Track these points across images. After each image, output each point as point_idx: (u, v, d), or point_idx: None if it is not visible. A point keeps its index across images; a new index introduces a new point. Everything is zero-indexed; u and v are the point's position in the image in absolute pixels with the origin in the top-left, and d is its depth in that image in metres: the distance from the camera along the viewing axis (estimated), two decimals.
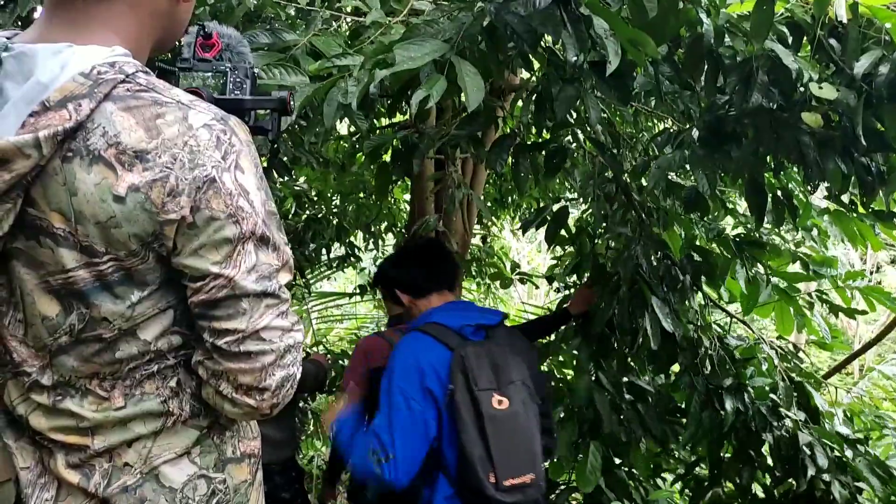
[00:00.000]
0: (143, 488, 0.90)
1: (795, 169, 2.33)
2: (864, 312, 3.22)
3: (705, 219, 2.41)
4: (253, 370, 0.88)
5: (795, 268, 2.99)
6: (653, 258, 2.16)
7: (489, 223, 7.04)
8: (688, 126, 1.92)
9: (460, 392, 1.69)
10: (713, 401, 2.30)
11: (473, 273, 5.42)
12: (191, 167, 0.82)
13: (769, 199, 2.12)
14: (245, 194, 0.86)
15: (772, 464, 2.36)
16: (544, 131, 2.21)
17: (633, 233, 2.20)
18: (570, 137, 2.07)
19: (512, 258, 5.00)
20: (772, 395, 2.37)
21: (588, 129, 2.06)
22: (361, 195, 5.49)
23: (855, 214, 2.30)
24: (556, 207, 2.41)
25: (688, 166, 1.84)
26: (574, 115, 2.72)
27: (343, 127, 5.39)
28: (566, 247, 2.88)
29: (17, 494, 0.89)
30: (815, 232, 2.74)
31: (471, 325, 1.81)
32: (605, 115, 2.16)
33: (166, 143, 0.82)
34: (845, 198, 2.16)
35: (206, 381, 0.91)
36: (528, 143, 2.00)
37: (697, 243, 2.44)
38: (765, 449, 2.39)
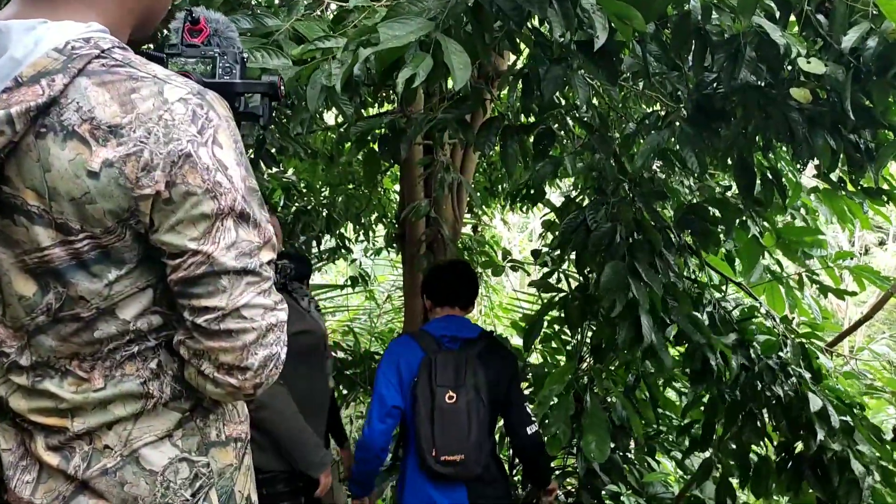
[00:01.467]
0: (123, 471, 0.88)
1: (784, 148, 2.32)
2: (853, 293, 3.23)
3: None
4: (234, 349, 0.86)
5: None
6: (648, 218, 2.11)
7: (480, 212, 7.03)
8: (677, 107, 1.91)
9: (422, 384, 2.24)
10: (715, 356, 2.24)
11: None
12: (165, 141, 0.81)
13: (758, 179, 2.11)
14: (223, 169, 0.84)
15: (774, 426, 2.30)
16: (532, 116, 2.20)
17: (625, 197, 2.15)
18: (557, 123, 2.05)
19: (503, 247, 4.98)
20: (778, 353, 2.32)
21: (576, 111, 2.05)
22: (350, 186, 5.46)
23: (844, 192, 2.30)
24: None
25: (677, 145, 1.82)
26: (563, 100, 2.71)
27: (330, 117, 5.37)
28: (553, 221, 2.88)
29: (0, 476, 0.88)
30: (803, 211, 2.73)
31: (447, 336, 2.34)
32: (593, 97, 2.13)
33: (141, 117, 0.80)
34: (834, 176, 2.16)
35: (188, 360, 0.89)
36: (516, 125, 1.99)
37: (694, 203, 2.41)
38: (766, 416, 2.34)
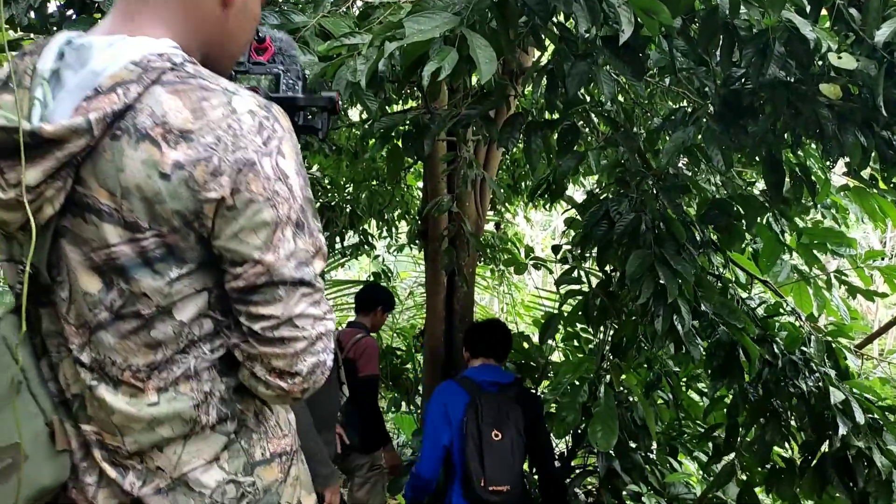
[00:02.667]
0: (175, 492, 0.92)
1: (814, 145, 2.28)
2: (883, 295, 3.17)
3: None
4: (286, 355, 0.90)
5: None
6: (671, 213, 2.08)
7: (503, 209, 7.01)
8: (704, 103, 1.88)
9: (470, 423, 2.56)
10: (738, 353, 2.20)
11: (487, 259, 5.40)
12: (233, 149, 0.85)
13: (787, 176, 2.08)
14: (284, 178, 0.88)
15: (797, 425, 2.25)
16: (556, 113, 2.18)
17: (649, 191, 2.12)
18: (582, 120, 2.04)
19: (526, 244, 4.96)
20: (802, 348, 2.28)
21: (601, 107, 2.03)
22: (374, 182, 5.48)
23: (875, 190, 2.25)
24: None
25: (703, 143, 1.80)
26: (587, 96, 2.68)
27: (355, 114, 5.39)
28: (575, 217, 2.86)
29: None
30: (833, 210, 2.68)
31: (487, 381, 2.72)
32: (619, 93, 2.11)
33: (210, 124, 0.84)
34: (865, 173, 2.11)
35: (242, 363, 0.93)
36: (541, 121, 1.98)
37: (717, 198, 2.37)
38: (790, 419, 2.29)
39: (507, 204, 6.66)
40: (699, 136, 1.79)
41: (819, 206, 2.56)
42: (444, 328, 4.27)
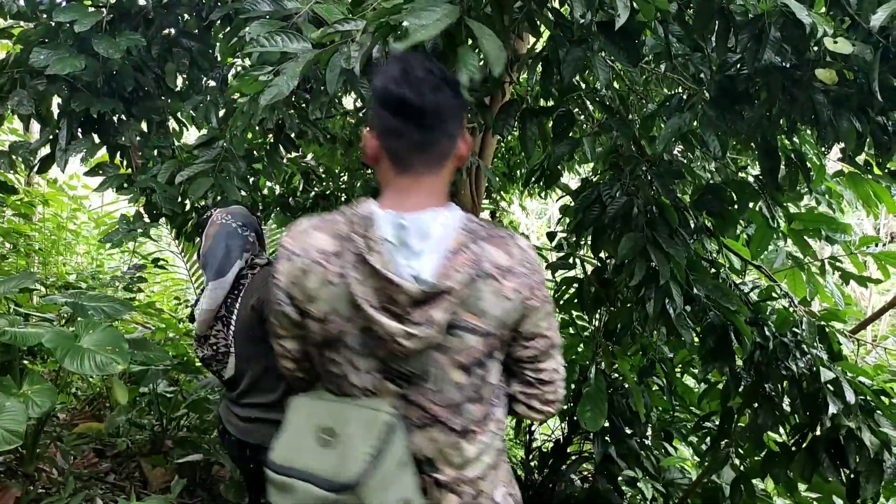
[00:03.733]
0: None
1: (808, 131, 2.28)
2: (878, 281, 3.18)
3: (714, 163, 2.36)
4: (554, 391, 1.39)
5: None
6: (664, 198, 2.08)
7: (497, 198, 6.99)
8: (699, 89, 1.87)
9: None
10: (729, 336, 2.20)
11: None
12: (532, 273, 1.27)
13: (782, 162, 2.08)
14: (545, 283, 1.32)
15: (789, 408, 2.26)
16: (551, 100, 2.17)
17: (642, 177, 2.11)
18: (577, 107, 2.02)
19: (521, 232, 4.95)
20: (794, 330, 2.27)
21: (595, 94, 2.02)
22: (369, 171, 5.46)
23: (870, 176, 2.25)
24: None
25: (698, 128, 1.80)
26: (583, 83, 2.66)
27: (349, 102, 5.36)
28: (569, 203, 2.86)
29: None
30: (827, 196, 2.68)
31: None
32: (614, 79, 2.09)
33: (518, 260, 1.25)
34: (860, 159, 2.11)
35: (521, 401, 1.38)
36: (536, 108, 1.97)
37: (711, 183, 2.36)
38: (782, 402, 2.29)
39: (502, 192, 6.65)
40: (695, 122, 1.79)
41: (813, 192, 2.56)
42: None
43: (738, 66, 1.72)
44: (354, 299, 1.18)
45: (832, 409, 2.00)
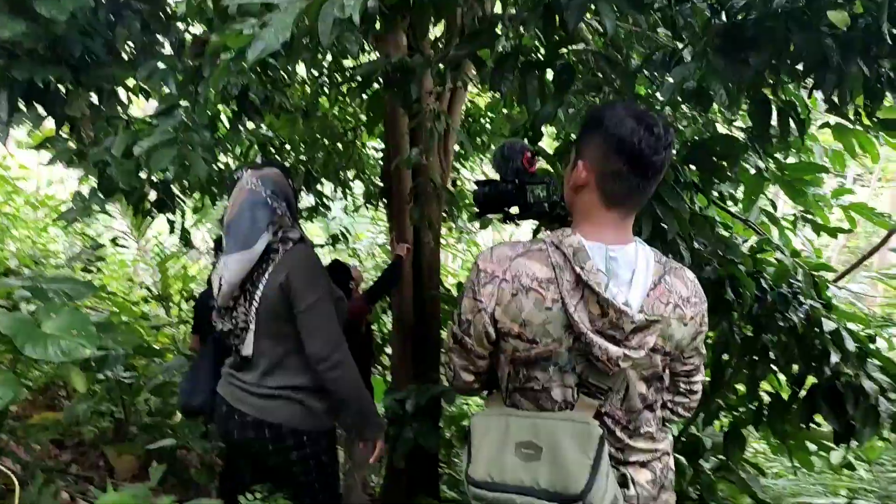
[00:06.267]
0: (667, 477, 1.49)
1: (795, 83, 2.25)
2: (849, 231, 3.24)
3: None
4: (697, 400, 1.59)
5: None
6: None
7: (458, 165, 6.89)
8: (701, 38, 1.81)
9: None
10: (726, 291, 2.19)
11: (446, 215, 5.30)
12: (703, 302, 1.45)
13: (773, 113, 2.05)
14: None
15: (784, 359, 2.28)
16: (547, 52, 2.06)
17: None
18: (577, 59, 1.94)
19: None
20: (790, 281, 2.29)
21: (591, 45, 1.94)
22: (327, 142, 5.28)
23: (860, 127, 2.25)
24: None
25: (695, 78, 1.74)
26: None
27: (302, 69, 5.14)
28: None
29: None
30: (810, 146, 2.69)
31: None
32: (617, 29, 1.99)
33: (693, 291, 1.42)
34: (850, 109, 2.10)
35: (669, 407, 1.55)
36: (536, 61, 1.87)
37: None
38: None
39: (462, 159, 6.56)
40: (696, 70, 1.73)
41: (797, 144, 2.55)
42: (412, 287, 4.20)
43: (746, 12, 1.67)
44: (571, 323, 1.30)
45: (834, 359, 2.02)
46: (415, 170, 3.79)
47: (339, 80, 5.13)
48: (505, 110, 6.50)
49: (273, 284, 2.02)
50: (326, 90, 5.40)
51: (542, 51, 2.00)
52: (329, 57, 4.33)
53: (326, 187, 5.74)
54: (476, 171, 6.65)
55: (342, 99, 5.76)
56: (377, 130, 6.75)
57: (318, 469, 2.12)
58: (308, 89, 5.00)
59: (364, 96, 2.85)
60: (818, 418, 2.29)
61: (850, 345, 2.07)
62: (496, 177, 1.70)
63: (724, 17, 1.71)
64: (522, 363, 1.38)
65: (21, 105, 2.80)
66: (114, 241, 4.37)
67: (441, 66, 1.81)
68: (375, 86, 2.51)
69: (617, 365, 1.31)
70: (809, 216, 3.24)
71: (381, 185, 4.90)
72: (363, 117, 5.86)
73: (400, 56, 1.87)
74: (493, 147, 7.01)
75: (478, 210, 1.71)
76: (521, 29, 1.76)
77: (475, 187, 1.69)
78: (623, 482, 1.38)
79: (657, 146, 1.30)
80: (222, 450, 3.36)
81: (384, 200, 4.87)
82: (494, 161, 1.64)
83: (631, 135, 1.29)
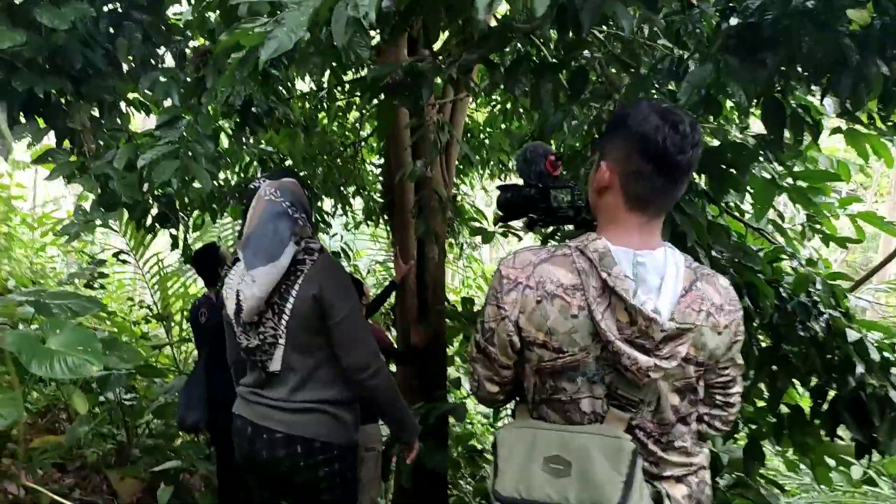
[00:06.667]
0: (704, 492, 1.41)
1: (802, 90, 2.23)
2: (857, 241, 3.21)
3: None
4: (735, 413, 1.49)
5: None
6: None
7: (458, 181, 6.86)
8: (710, 44, 1.78)
9: None
10: (743, 297, 2.15)
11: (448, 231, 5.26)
12: (737, 310, 1.37)
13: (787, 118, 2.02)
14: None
15: (803, 370, 2.22)
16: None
17: None
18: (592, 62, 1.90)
19: (495, 211, 4.84)
20: (809, 290, 2.24)
21: (608, 47, 1.91)
22: (326, 157, 5.26)
23: (874, 131, 2.23)
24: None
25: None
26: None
27: (304, 86, 5.13)
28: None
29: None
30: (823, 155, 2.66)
31: None
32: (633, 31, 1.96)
33: (726, 298, 1.34)
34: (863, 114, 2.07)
35: (705, 421, 1.45)
36: (550, 63, 1.84)
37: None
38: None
39: (462, 175, 6.54)
40: (713, 72, 1.70)
41: (808, 151, 2.53)
42: (417, 302, 4.14)
43: (762, 12, 1.64)
44: (598, 331, 1.24)
45: (859, 369, 1.97)
46: (418, 183, 3.76)
47: (339, 94, 5.12)
48: (504, 125, 6.51)
49: (305, 296, 1.98)
50: (326, 105, 5.39)
51: (545, 55, 1.97)
52: (329, 69, 4.33)
53: (326, 203, 5.71)
54: (475, 188, 6.64)
55: (341, 115, 5.76)
56: (378, 146, 6.74)
57: (343, 486, 2.09)
58: (307, 104, 5.00)
59: (375, 100, 2.81)
60: (835, 430, 2.23)
61: (875, 355, 2.03)
62: (509, 187, 1.66)
63: (734, 20, 1.68)
64: (549, 373, 1.32)
65: (21, 120, 2.77)
66: (116, 255, 4.31)
67: (446, 71, 1.76)
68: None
69: (647, 375, 1.25)
70: (817, 226, 3.22)
71: (382, 200, 4.86)
72: (363, 133, 5.86)
73: (408, 61, 1.84)
74: (491, 163, 7.01)
75: (500, 216, 1.66)
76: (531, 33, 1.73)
77: (497, 193, 1.64)
78: (658, 499, 1.31)
79: (683, 145, 1.24)
80: (222, 470, 3.29)
81: (385, 217, 4.83)
82: (517, 164, 1.60)
83: (655, 133, 1.23)
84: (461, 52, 1.76)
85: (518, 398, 1.46)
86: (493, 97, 6.53)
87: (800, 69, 1.74)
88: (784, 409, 2.41)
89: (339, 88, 4.67)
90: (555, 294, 1.28)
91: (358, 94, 5.73)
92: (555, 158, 1.56)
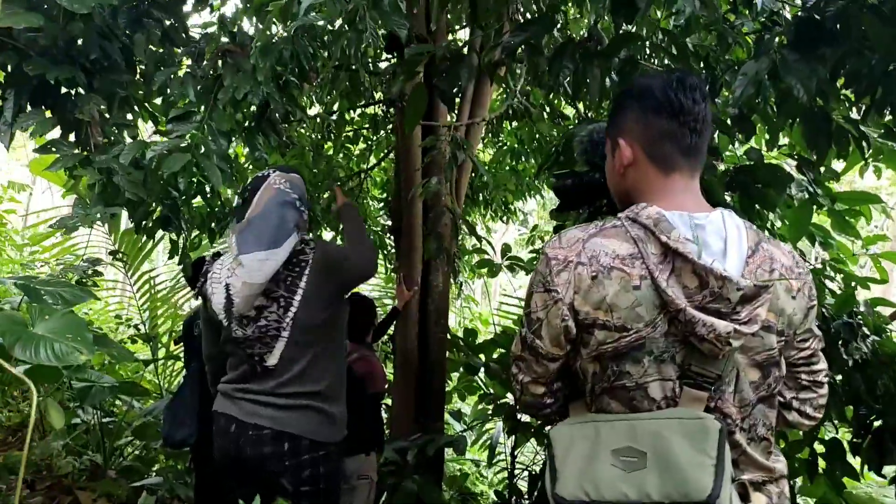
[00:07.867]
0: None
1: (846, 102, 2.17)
2: (883, 281, 3.13)
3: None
4: (825, 395, 1.35)
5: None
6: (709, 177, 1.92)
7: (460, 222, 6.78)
8: (774, 29, 1.72)
9: None
10: None
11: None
12: (807, 273, 1.27)
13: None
14: None
15: (844, 398, 2.08)
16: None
17: None
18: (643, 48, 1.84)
19: (504, 243, 4.72)
20: (852, 312, 2.13)
21: (657, 39, 1.85)
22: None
23: None
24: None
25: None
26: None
27: (312, 111, 5.10)
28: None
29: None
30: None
31: None
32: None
33: (794, 260, 1.25)
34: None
35: (794, 408, 1.33)
36: (598, 49, 1.76)
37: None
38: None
39: (465, 217, 6.48)
40: (770, 65, 1.62)
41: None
42: (418, 330, 4.00)
43: (823, 3, 1.59)
44: (664, 301, 1.13)
45: None
46: (427, 204, 3.67)
47: (348, 122, 5.09)
48: (509, 165, 6.50)
49: (316, 269, 1.99)
50: (333, 134, 5.35)
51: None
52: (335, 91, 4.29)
53: (326, 234, 5.62)
54: (478, 226, 6.57)
55: (349, 144, 5.73)
56: (381, 181, 6.67)
57: (325, 495, 1.98)
58: (315, 131, 4.96)
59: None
60: (881, 465, 2.08)
61: None
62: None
63: (788, 14, 1.62)
64: (611, 357, 1.18)
65: (27, 106, 2.66)
66: (112, 254, 4.15)
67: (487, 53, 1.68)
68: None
69: (728, 343, 1.11)
70: (838, 265, 3.14)
71: (390, 223, 4.77)
72: (364, 165, 5.82)
73: (447, 43, 1.76)
74: (495, 203, 6.97)
75: (560, 205, 1.53)
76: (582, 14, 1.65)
77: (553, 180, 1.52)
78: (744, 492, 1.15)
79: (694, 96, 1.22)
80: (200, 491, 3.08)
81: (389, 237, 4.71)
82: (579, 148, 1.48)
83: (665, 89, 1.22)
84: (501, 36, 1.68)
85: (570, 396, 1.30)
86: (500, 137, 6.53)
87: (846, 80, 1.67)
88: (818, 445, 2.27)
89: (350, 112, 4.63)
90: (612, 266, 1.16)
91: (367, 126, 5.71)
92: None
